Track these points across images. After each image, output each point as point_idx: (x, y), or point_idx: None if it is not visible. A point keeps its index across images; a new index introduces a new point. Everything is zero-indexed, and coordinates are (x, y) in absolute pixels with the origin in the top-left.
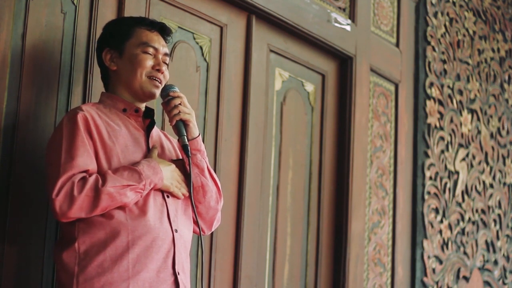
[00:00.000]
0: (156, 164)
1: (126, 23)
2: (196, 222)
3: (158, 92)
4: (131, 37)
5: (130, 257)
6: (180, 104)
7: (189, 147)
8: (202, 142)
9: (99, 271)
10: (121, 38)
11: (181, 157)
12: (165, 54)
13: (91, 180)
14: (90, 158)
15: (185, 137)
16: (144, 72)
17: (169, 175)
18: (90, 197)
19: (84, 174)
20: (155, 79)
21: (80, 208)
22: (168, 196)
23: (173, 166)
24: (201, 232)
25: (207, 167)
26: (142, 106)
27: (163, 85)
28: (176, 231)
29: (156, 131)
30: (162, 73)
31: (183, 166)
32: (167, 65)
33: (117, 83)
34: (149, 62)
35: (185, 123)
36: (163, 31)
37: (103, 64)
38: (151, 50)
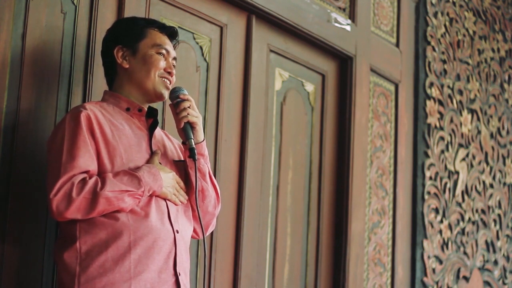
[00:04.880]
0: (157, 171)
1: (139, 23)
2: (199, 225)
3: (167, 94)
4: (146, 37)
5: (131, 257)
6: (189, 107)
7: (195, 151)
8: (206, 147)
9: (101, 272)
10: (135, 37)
11: (182, 159)
12: (174, 58)
13: (91, 182)
14: (91, 159)
15: (192, 140)
16: (157, 73)
17: (168, 183)
18: (88, 199)
19: (84, 175)
20: (166, 80)
21: (77, 209)
22: None
23: (173, 173)
24: (197, 235)
25: (209, 172)
26: (146, 105)
27: (171, 88)
28: (178, 231)
29: (158, 131)
30: (173, 76)
31: (184, 168)
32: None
33: (126, 81)
34: (162, 63)
35: (191, 126)
36: (172, 35)
37: (111, 61)
38: (164, 52)
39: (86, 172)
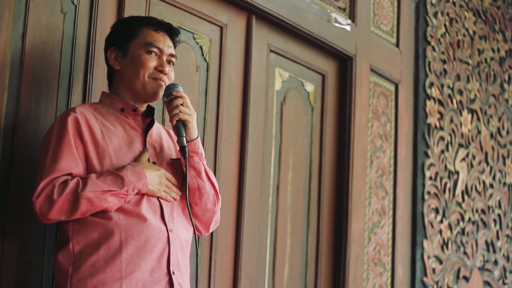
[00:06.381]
0: (141, 169)
1: (133, 22)
2: (199, 222)
3: (161, 92)
4: (136, 37)
5: (123, 256)
6: (182, 104)
7: (187, 149)
8: (200, 145)
9: (92, 271)
10: (126, 38)
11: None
12: (171, 55)
13: (72, 183)
14: (75, 161)
15: (184, 138)
16: (146, 73)
17: (156, 180)
18: (69, 200)
19: (66, 177)
20: (157, 80)
21: (60, 211)
22: None
23: (162, 170)
24: (197, 234)
25: (205, 169)
26: (144, 105)
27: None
28: (171, 231)
29: (157, 129)
30: (165, 74)
31: (180, 166)
32: (173, 64)
33: (119, 83)
34: (152, 63)
35: (184, 124)
36: (170, 31)
37: (108, 64)
38: (155, 50)
39: (69, 174)
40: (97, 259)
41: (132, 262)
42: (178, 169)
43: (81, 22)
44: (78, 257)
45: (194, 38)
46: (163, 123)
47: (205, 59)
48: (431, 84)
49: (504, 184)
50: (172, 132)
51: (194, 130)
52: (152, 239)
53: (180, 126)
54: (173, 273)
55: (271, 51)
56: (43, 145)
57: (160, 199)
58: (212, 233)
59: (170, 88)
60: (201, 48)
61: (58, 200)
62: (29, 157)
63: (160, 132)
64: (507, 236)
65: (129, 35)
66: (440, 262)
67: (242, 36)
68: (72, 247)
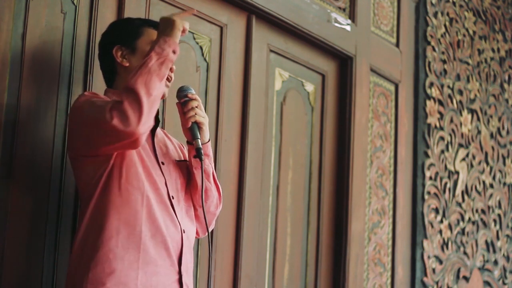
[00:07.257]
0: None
1: (134, 22)
2: (203, 224)
3: (167, 91)
4: (142, 35)
5: (141, 248)
6: (196, 107)
7: (202, 151)
8: (210, 148)
9: (111, 257)
10: (132, 36)
11: (183, 158)
12: None
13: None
14: None
15: (199, 140)
16: None
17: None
18: (130, 95)
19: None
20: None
21: (135, 109)
22: (173, 197)
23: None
24: (197, 234)
25: (212, 172)
26: None
27: (170, 85)
28: (184, 231)
29: (159, 130)
30: (173, 71)
31: (186, 168)
32: None
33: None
34: None
35: (198, 126)
36: None
37: (110, 62)
38: None
39: None
40: (116, 245)
41: (149, 255)
42: (183, 170)
43: (81, 22)
44: (93, 246)
45: (194, 38)
46: (163, 123)
47: (205, 59)
48: (431, 84)
49: (504, 184)
50: (170, 135)
51: (207, 133)
52: (168, 237)
53: (195, 128)
54: (183, 274)
55: (271, 51)
56: (74, 120)
57: (171, 199)
58: (212, 233)
59: (184, 90)
60: (201, 48)
61: (124, 104)
62: (29, 157)
63: (162, 133)
64: (507, 236)
65: (135, 33)
66: (440, 262)
67: (242, 36)
68: (86, 236)
